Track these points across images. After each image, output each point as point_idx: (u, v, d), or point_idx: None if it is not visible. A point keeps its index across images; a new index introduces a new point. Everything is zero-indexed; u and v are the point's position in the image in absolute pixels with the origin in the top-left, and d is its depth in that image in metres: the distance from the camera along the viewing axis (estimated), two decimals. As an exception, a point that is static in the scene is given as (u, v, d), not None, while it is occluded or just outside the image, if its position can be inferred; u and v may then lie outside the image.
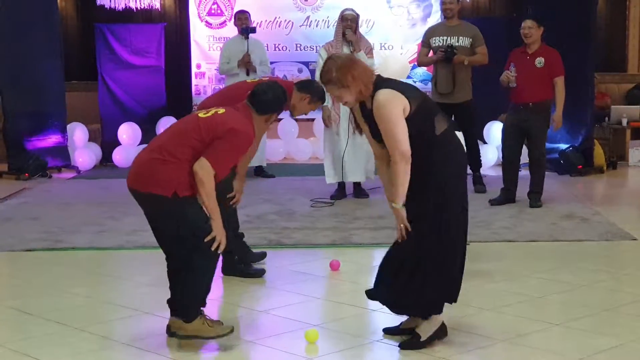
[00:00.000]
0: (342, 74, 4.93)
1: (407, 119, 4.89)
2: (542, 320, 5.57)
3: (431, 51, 10.60)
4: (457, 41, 10.39)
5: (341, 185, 10.26)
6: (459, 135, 5.12)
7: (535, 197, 9.66)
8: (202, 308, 5.17)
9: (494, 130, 12.81)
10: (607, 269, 7.06)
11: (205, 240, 4.96)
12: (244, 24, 11.64)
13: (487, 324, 5.45)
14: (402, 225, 5.00)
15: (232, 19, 12.19)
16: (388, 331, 5.37)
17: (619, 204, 10.36)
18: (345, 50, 9.89)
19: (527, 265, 7.15)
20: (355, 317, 5.82)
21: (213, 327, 5.12)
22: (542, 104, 9.54)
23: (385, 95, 4.90)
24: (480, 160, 10.91)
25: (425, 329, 5.12)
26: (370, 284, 6.70)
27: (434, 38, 10.53)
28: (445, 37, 10.42)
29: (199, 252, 4.98)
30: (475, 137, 10.76)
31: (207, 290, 5.15)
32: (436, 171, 4.97)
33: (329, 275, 6.93)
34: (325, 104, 9.99)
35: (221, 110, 5.20)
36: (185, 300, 5.08)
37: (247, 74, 11.39)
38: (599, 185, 11.79)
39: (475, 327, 5.33)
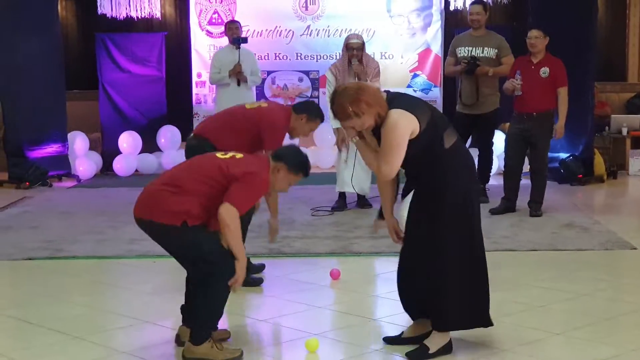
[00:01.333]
0: (356, 105, 4.91)
1: (417, 137, 4.91)
2: (543, 330, 5.57)
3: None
4: (482, 52, 10.36)
5: (342, 196, 10.23)
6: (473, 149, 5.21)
7: (536, 207, 9.66)
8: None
9: (495, 140, 12.77)
10: (607, 278, 7.06)
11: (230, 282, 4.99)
12: (235, 34, 11.62)
13: (488, 334, 5.43)
14: (399, 234, 5.20)
15: (224, 29, 12.17)
16: (389, 340, 5.37)
17: (619, 213, 10.35)
18: (352, 74, 9.82)
19: (528, 274, 7.15)
20: (356, 326, 5.81)
21: (222, 351, 5.11)
22: (546, 114, 9.55)
23: (396, 116, 4.90)
24: (489, 175, 10.86)
25: (435, 342, 5.12)
26: (371, 292, 6.74)
27: (459, 48, 10.50)
28: (470, 48, 10.39)
29: (211, 277, 4.97)
30: (491, 150, 10.71)
31: (220, 314, 5.12)
32: (449, 183, 5.00)
33: (330, 284, 6.93)
34: (339, 126, 10.00)
35: (239, 155, 5.19)
36: (196, 323, 5.07)
37: (238, 84, 11.40)
38: (599, 195, 11.78)
39: (477, 337, 5.32)
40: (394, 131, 4.88)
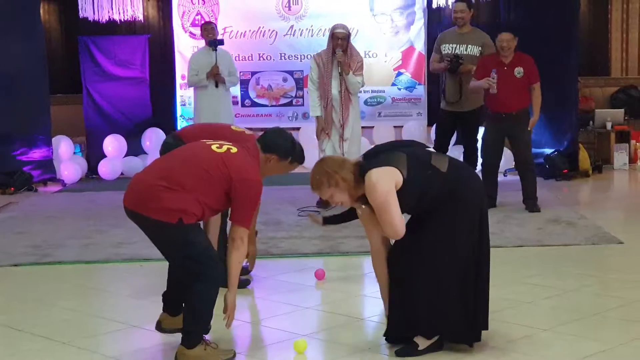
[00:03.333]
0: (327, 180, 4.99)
1: (405, 183, 4.88)
2: (530, 326, 5.57)
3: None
4: (466, 49, 10.37)
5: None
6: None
7: (532, 203, 9.69)
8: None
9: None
10: (594, 273, 7.08)
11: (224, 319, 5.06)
12: (211, 35, 11.63)
13: (476, 331, 5.45)
14: None
15: (200, 30, 12.17)
16: (390, 339, 5.34)
17: (605, 207, 10.39)
18: (335, 67, 9.87)
19: (515, 270, 7.16)
20: (344, 326, 5.81)
21: (215, 353, 5.10)
22: (523, 111, 9.62)
23: (374, 176, 4.89)
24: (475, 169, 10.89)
25: (424, 339, 5.11)
26: (359, 292, 6.74)
27: (444, 45, 10.52)
28: (454, 45, 10.41)
29: (201, 279, 4.96)
30: (476, 147, 10.73)
31: (210, 316, 5.09)
32: (466, 203, 5.03)
33: (317, 285, 6.93)
34: (319, 114, 10.04)
35: (234, 149, 5.13)
36: (188, 327, 5.06)
37: (216, 86, 11.42)
38: (585, 189, 11.83)
39: (464, 334, 5.33)
40: (376, 189, 4.86)
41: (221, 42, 11.69)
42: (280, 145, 5.29)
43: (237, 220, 5.02)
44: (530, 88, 9.64)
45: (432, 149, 5.19)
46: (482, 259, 5.11)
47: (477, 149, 10.76)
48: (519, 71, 9.56)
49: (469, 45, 10.36)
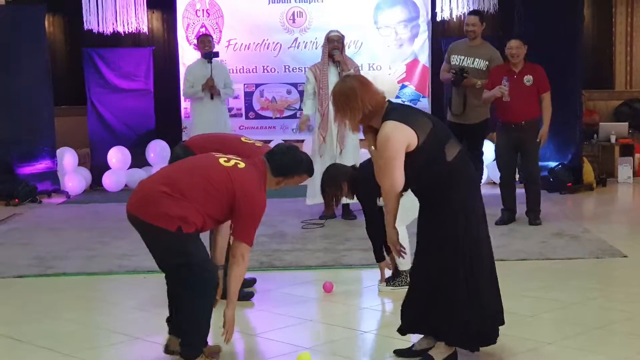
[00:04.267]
0: (351, 98, 4.97)
1: (416, 150, 4.88)
2: (534, 340, 5.56)
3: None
4: (473, 62, 10.36)
5: (329, 205, 10.29)
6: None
7: (534, 215, 9.68)
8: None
9: (486, 149, 12.79)
10: (598, 287, 7.06)
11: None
12: (207, 48, 11.67)
13: (479, 344, 5.44)
14: (395, 247, 5.13)
15: (196, 42, 12.23)
16: (400, 353, 5.32)
17: (608, 221, 10.37)
18: (333, 70, 9.98)
19: (518, 284, 7.14)
20: (348, 340, 5.81)
21: None
22: (533, 121, 9.58)
23: (388, 128, 4.88)
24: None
25: (440, 352, 5.09)
26: (362, 305, 6.72)
27: (453, 55, 10.52)
28: (462, 57, 10.40)
29: (194, 289, 4.96)
30: (481, 159, 10.73)
31: (207, 327, 5.09)
32: (452, 197, 4.99)
33: (321, 297, 6.92)
34: (306, 113, 10.13)
35: (241, 165, 5.14)
36: (185, 339, 5.05)
37: (212, 98, 11.47)
38: (589, 203, 11.81)
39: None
40: (386, 144, 4.86)
41: (216, 54, 11.76)
42: (290, 166, 5.30)
43: (240, 236, 5.04)
44: (540, 98, 9.62)
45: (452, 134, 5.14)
46: (474, 264, 5.05)
47: (481, 162, 10.77)
48: (528, 79, 9.55)
49: (477, 59, 10.36)
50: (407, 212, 5.44)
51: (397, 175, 4.88)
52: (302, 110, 10.85)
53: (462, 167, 5.06)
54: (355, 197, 6.83)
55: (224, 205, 4.99)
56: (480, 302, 5.03)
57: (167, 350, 5.32)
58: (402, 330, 5.28)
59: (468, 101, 10.26)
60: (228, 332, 5.10)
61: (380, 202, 5.29)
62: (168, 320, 5.35)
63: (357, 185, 6.66)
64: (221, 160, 5.13)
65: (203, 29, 14.29)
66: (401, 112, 5.00)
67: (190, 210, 4.91)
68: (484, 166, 12.47)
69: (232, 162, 5.12)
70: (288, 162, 5.30)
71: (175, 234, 4.89)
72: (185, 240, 4.95)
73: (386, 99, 5.06)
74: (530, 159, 9.71)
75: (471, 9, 13.35)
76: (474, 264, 5.02)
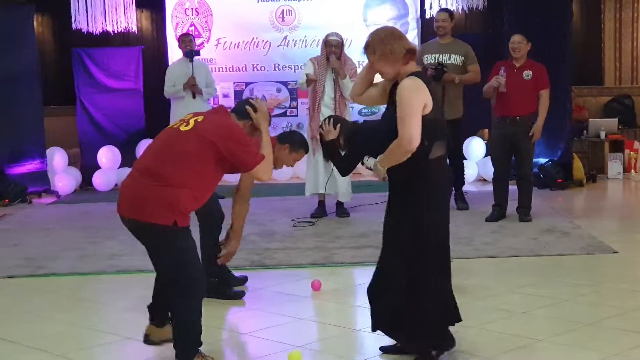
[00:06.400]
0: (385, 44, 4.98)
1: (426, 117, 4.87)
2: (525, 336, 5.57)
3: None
4: (449, 59, 10.39)
5: (321, 203, 10.30)
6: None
7: (525, 212, 9.70)
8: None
9: (473, 146, 12.84)
10: (588, 283, 7.07)
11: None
12: (188, 47, 11.68)
13: (471, 341, 5.44)
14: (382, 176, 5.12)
15: (178, 42, 12.27)
16: (385, 350, 5.34)
17: (599, 217, 10.39)
18: (329, 73, 9.94)
19: (509, 281, 7.16)
20: (339, 338, 5.81)
21: None
22: (528, 117, 9.60)
23: (410, 82, 4.91)
24: (464, 178, 10.95)
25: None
26: (353, 303, 6.73)
27: (426, 55, 10.53)
28: (436, 55, 10.42)
29: (184, 291, 4.95)
30: (461, 155, 10.79)
31: (199, 328, 5.07)
32: (420, 189, 4.98)
33: (312, 296, 6.92)
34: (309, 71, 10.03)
35: (200, 118, 5.11)
36: (179, 342, 5.04)
37: (194, 97, 11.47)
38: (579, 199, 11.83)
39: (460, 344, 5.30)
40: (410, 93, 4.87)
41: (197, 52, 11.79)
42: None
43: (248, 165, 5.07)
44: (538, 95, 9.64)
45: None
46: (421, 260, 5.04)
47: (462, 161, 10.96)
48: (527, 74, 9.57)
49: (452, 55, 10.40)
50: None
51: (416, 128, 4.83)
52: (292, 108, 10.81)
53: (440, 171, 5.05)
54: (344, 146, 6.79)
55: (210, 164, 4.97)
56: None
57: (147, 339, 5.31)
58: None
59: (447, 96, 10.25)
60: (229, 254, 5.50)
61: (367, 162, 5.23)
62: (150, 308, 5.33)
63: (353, 135, 6.62)
64: (182, 128, 5.08)
65: (192, 28, 14.29)
66: (426, 81, 5.02)
67: (179, 195, 4.88)
68: (474, 163, 12.53)
69: (191, 123, 5.08)
70: (246, 104, 5.33)
71: (171, 229, 4.88)
72: (181, 237, 4.94)
73: (408, 51, 5.03)
74: (523, 156, 9.71)
75: (460, 7, 13.46)
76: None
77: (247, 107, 5.27)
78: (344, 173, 5.69)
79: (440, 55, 10.40)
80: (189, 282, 4.93)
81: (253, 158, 5.06)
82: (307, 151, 6.36)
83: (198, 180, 4.95)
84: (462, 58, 10.38)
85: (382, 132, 5.05)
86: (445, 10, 11.07)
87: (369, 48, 5.04)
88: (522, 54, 9.65)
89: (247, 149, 5.04)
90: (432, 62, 10.34)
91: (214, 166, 4.99)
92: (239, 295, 6.81)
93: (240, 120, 5.25)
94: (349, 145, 6.08)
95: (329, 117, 6.42)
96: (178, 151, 4.96)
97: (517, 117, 9.56)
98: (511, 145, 9.68)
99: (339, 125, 5.57)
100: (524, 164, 9.76)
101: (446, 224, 5.11)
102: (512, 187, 9.96)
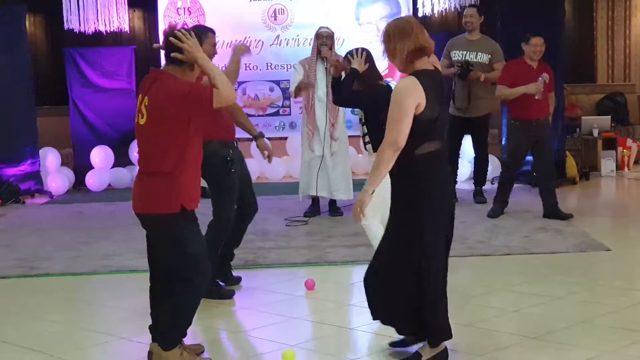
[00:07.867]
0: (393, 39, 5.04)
1: (417, 116, 4.81)
2: (519, 334, 5.58)
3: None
4: (476, 57, 10.44)
5: (314, 202, 10.30)
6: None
7: (561, 214, 9.62)
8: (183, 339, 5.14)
9: (464, 144, 12.83)
10: (581, 281, 7.07)
11: None
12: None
13: (465, 339, 5.44)
14: (358, 209, 4.94)
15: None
16: (395, 344, 5.33)
17: (592, 214, 10.40)
18: (320, 67, 9.94)
19: (502, 279, 7.16)
20: (333, 336, 5.80)
21: (191, 358, 5.10)
22: (546, 119, 9.69)
23: (405, 83, 4.89)
24: (486, 176, 11.04)
25: (429, 350, 5.07)
26: (347, 302, 6.73)
27: (454, 51, 10.58)
28: (464, 52, 10.48)
29: (187, 283, 4.95)
30: (486, 152, 10.83)
31: (189, 321, 5.08)
32: (400, 184, 4.98)
33: (305, 295, 6.92)
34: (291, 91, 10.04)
35: (146, 100, 5.04)
36: (165, 328, 5.04)
37: None
38: (572, 196, 11.83)
39: (453, 343, 5.29)
40: (399, 95, 4.83)
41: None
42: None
43: (205, 102, 4.81)
44: (549, 96, 9.70)
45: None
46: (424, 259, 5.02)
47: (487, 155, 11.02)
48: (546, 77, 9.57)
49: (479, 53, 10.46)
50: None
51: (402, 132, 4.77)
52: (285, 107, 10.80)
53: (430, 169, 4.96)
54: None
55: (181, 129, 4.90)
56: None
57: (151, 357, 5.31)
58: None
59: (473, 94, 10.32)
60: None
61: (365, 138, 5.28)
62: (151, 329, 5.33)
63: (363, 79, 6.66)
64: (140, 122, 5.03)
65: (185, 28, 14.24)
66: (426, 77, 4.90)
67: (174, 182, 4.89)
68: (467, 162, 12.52)
69: (143, 111, 5.01)
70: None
71: (179, 217, 4.90)
72: (187, 228, 4.97)
73: (412, 50, 4.99)
74: (548, 154, 9.68)
75: (452, 5, 13.53)
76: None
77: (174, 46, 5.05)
78: (339, 102, 5.79)
79: (468, 52, 10.48)
80: (191, 277, 4.93)
81: (203, 92, 4.83)
82: (213, 31, 6.45)
83: (186, 153, 4.94)
84: (489, 56, 10.46)
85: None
86: (474, 6, 11.19)
87: (383, 39, 5.08)
88: (541, 56, 9.62)
89: (191, 91, 4.86)
90: (460, 58, 10.40)
91: (186, 129, 4.92)
92: (229, 295, 6.78)
93: (177, 68, 5.10)
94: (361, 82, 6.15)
95: (362, 49, 6.45)
96: (151, 144, 4.96)
97: (542, 119, 9.58)
98: (531, 147, 9.65)
99: (368, 64, 5.63)
100: (547, 165, 9.69)
101: (434, 221, 5.08)
102: (515, 186, 10.02)
